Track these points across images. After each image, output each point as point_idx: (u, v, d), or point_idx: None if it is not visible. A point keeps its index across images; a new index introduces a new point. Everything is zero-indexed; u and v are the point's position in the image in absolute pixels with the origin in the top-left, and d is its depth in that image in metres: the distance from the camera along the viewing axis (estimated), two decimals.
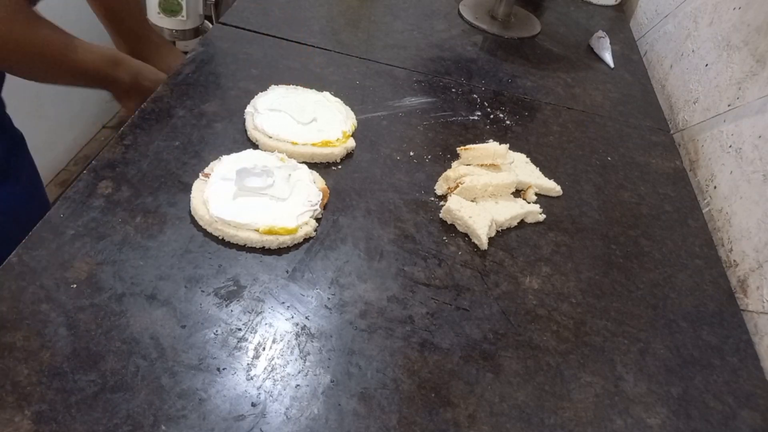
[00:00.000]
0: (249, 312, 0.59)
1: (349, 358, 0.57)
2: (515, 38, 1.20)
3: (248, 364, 0.55)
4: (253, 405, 0.52)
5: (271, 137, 0.77)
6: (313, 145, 0.77)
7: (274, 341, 0.57)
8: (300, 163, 0.75)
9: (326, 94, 0.86)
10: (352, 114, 0.86)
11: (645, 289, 0.72)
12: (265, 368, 0.55)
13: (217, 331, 0.57)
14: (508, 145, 0.82)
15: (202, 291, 0.60)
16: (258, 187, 0.68)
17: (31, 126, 1.18)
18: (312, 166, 0.76)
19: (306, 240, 0.67)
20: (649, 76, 1.18)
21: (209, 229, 0.65)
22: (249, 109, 0.82)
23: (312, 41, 1.02)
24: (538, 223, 0.78)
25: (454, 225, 0.74)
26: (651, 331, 0.67)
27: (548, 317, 0.66)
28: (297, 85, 0.87)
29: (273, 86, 0.86)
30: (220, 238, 0.65)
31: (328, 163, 0.78)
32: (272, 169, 0.71)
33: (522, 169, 0.84)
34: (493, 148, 0.81)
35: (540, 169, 0.85)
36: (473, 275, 0.68)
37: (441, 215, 0.74)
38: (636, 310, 0.69)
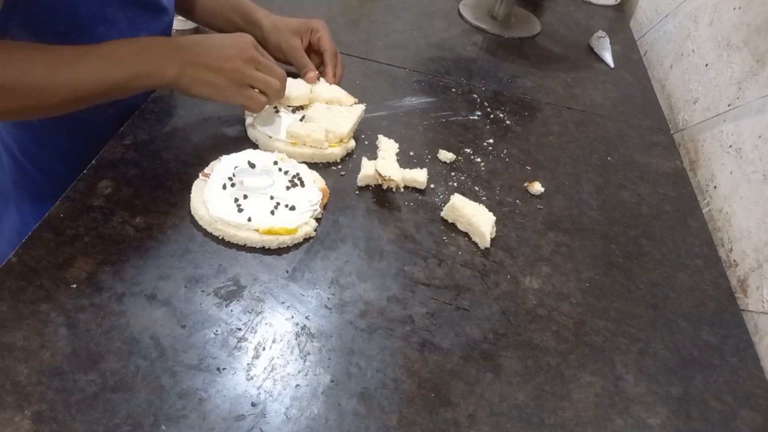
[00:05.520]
0: (249, 312, 0.59)
1: (349, 358, 0.57)
2: (515, 38, 1.20)
3: (248, 364, 0.55)
4: (253, 405, 0.52)
5: (271, 137, 0.77)
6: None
7: (274, 341, 0.57)
8: (300, 163, 0.75)
9: None
10: None
11: (645, 289, 0.72)
12: (265, 368, 0.55)
13: (217, 331, 0.57)
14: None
15: (202, 291, 0.60)
16: (258, 187, 0.68)
17: None
18: (312, 166, 0.76)
19: (306, 240, 0.67)
20: (649, 76, 1.18)
21: (209, 229, 0.65)
22: None
23: None
24: (538, 223, 0.78)
25: (454, 224, 0.74)
26: (651, 331, 0.67)
27: (548, 317, 0.66)
28: None
29: None
30: (220, 238, 0.65)
31: (328, 163, 0.78)
32: (272, 169, 0.71)
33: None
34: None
35: (540, 169, 0.85)
36: (473, 275, 0.68)
37: (443, 214, 0.74)
38: (636, 310, 0.69)
